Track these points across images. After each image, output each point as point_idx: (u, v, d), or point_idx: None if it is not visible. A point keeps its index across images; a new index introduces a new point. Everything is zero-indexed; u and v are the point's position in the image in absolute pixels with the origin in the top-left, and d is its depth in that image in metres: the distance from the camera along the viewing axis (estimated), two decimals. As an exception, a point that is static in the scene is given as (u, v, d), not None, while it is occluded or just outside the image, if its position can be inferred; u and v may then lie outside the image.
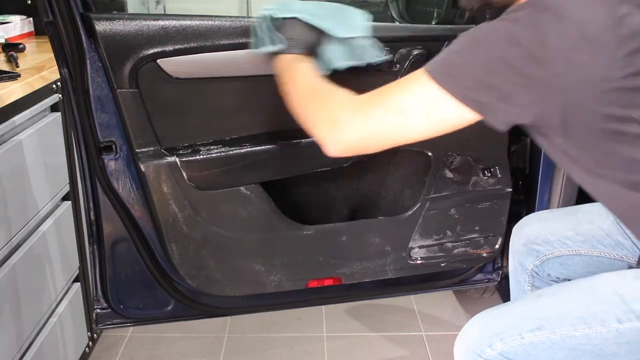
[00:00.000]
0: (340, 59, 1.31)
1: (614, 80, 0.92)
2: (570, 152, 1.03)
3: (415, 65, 1.49)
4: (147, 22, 1.39)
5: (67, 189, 1.63)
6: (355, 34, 1.29)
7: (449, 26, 1.66)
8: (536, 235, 1.36)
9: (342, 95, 1.09)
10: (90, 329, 1.78)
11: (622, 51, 0.91)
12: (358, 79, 1.53)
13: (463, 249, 1.73)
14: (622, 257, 1.28)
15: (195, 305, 1.66)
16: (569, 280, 1.34)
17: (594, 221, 1.32)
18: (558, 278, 1.37)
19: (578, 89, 0.93)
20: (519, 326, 1.04)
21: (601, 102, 0.94)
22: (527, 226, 1.40)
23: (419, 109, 1.00)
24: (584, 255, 1.32)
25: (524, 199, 1.78)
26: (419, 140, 1.04)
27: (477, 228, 1.72)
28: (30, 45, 1.85)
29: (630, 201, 1.03)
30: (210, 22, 1.43)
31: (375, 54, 1.33)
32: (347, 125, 1.04)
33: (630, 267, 1.26)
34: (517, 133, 1.71)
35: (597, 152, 1.00)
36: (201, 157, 1.48)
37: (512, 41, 0.93)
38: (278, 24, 1.28)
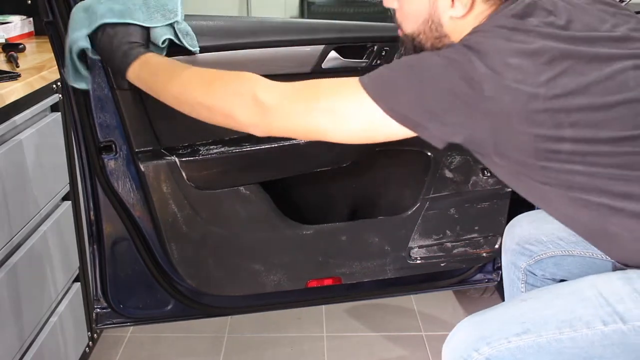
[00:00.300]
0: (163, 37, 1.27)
1: (541, 101, 0.95)
2: (510, 169, 1.06)
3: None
4: (147, 22, 1.39)
5: (67, 189, 1.63)
6: (169, 20, 1.27)
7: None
8: (529, 235, 1.37)
9: (256, 77, 1.10)
10: (90, 328, 1.78)
11: (544, 76, 0.95)
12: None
13: (463, 249, 1.73)
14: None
15: (195, 305, 1.66)
16: (563, 280, 1.34)
17: None
18: (554, 279, 1.37)
19: (507, 112, 0.96)
20: (506, 330, 1.04)
21: (530, 124, 0.96)
22: (519, 226, 1.40)
23: (348, 115, 1.03)
24: (577, 256, 1.32)
25: (524, 199, 1.78)
26: (346, 142, 1.07)
27: (476, 228, 1.72)
28: (30, 45, 1.85)
29: (583, 221, 1.06)
30: (210, 22, 1.43)
31: (192, 43, 1.33)
32: (277, 114, 1.06)
33: (615, 268, 1.26)
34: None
35: (535, 169, 1.02)
36: (201, 157, 1.48)
37: (447, 66, 0.97)
38: (95, 39, 1.22)
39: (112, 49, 1.20)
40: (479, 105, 0.96)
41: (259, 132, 1.10)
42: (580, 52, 0.98)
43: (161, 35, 1.27)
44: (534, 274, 1.37)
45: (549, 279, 1.36)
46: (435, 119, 0.98)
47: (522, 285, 1.39)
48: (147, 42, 1.27)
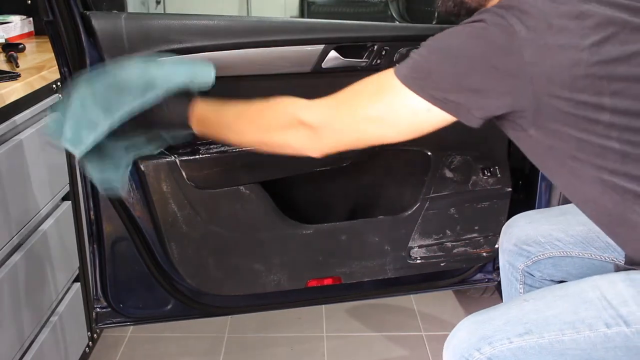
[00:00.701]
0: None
1: (583, 67, 0.94)
2: (544, 143, 1.04)
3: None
4: (147, 22, 1.40)
5: (67, 189, 1.63)
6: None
7: (448, 26, 1.66)
8: (526, 236, 1.36)
9: (294, 102, 1.09)
10: (90, 328, 1.78)
11: (588, 41, 0.94)
12: (358, 78, 1.54)
13: (463, 249, 1.73)
14: (612, 260, 1.28)
15: (195, 304, 1.66)
16: (562, 281, 1.34)
17: (585, 223, 1.31)
18: (552, 280, 1.37)
19: (549, 77, 0.94)
20: (508, 330, 1.04)
21: (572, 89, 0.95)
22: (516, 226, 1.40)
23: (396, 117, 1.03)
24: (575, 257, 1.31)
25: (524, 199, 1.78)
26: (399, 141, 1.06)
27: (476, 228, 1.72)
28: (30, 45, 1.85)
29: (604, 206, 1.04)
30: (210, 22, 1.43)
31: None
32: (327, 133, 1.06)
33: (618, 269, 1.25)
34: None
35: (571, 143, 1.00)
36: (201, 156, 1.48)
37: (480, 38, 0.96)
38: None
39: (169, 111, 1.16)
40: (520, 72, 0.94)
41: (317, 154, 1.09)
42: (625, 21, 0.96)
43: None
44: (532, 275, 1.37)
45: (547, 280, 1.36)
46: (477, 95, 0.97)
47: (521, 286, 1.38)
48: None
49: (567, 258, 1.32)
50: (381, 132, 1.05)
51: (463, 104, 0.98)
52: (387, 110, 1.02)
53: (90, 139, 1.12)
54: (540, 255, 1.34)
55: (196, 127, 1.16)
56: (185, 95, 1.15)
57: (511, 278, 1.40)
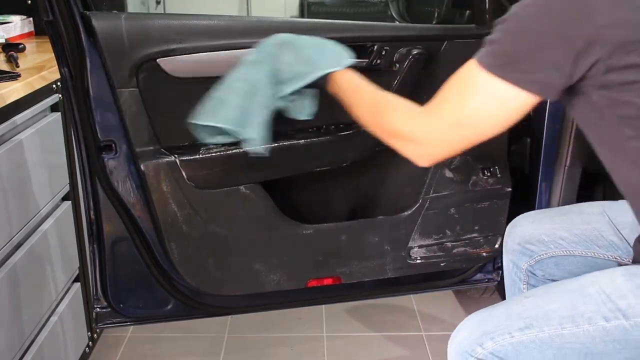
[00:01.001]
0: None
1: None
2: (603, 111, 1.02)
3: (415, 64, 1.50)
4: (147, 22, 1.40)
5: (67, 188, 1.63)
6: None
7: (448, 26, 1.67)
8: (530, 235, 1.36)
9: (404, 106, 1.13)
10: (90, 328, 1.78)
11: None
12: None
13: (463, 249, 1.73)
14: (615, 258, 1.28)
15: (195, 304, 1.66)
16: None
17: (588, 222, 1.32)
18: (553, 279, 1.37)
19: (624, 34, 0.93)
20: (509, 325, 1.05)
21: None
22: (520, 226, 1.40)
23: (493, 112, 1.02)
24: (578, 256, 1.32)
25: (524, 199, 1.78)
26: (498, 133, 1.06)
27: (476, 228, 1.72)
28: (30, 45, 1.85)
29: None
30: (210, 22, 1.43)
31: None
32: (429, 145, 1.09)
33: (620, 265, 1.26)
34: (517, 133, 1.71)
35: (633, 106, 0.99)
36: (201, 156, 1.48)
37: (549, 11, 0.95)
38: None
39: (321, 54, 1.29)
40: (595, 36, 0.93)
41: (426, 164, 1.12)
42: None
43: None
44: (535, 275, 1.37)
45: (549, 279, 1.36)
46: (558, 69, 0.96)
47: (524, 286, 1.39)
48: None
49: (570, 257, 1.32)
50: (480, 132, 1.05)
51: (547, 81, 0.98)
52: (480, 108, 1.02)
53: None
54: (543, 255, 1.35)
55: (331, 89, 1.27)
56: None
57: (515, 278, 1.40)
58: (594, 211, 1.33)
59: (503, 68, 0.99)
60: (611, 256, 1.29)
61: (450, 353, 1.12)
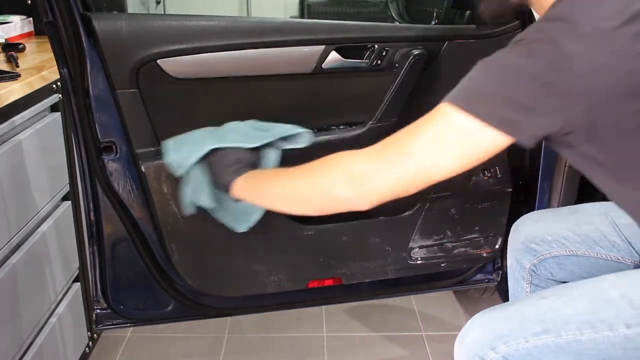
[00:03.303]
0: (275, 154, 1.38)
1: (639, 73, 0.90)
2: (596, 158, 1.00)
3: (415, 65, 1.50)
4: (147, 22, 1.39)
5: (67, 189, 1.63)
6: (262, 141, 1.35)
7: (449, 26, 1.67)
8: (534, 234, 1.36)
9: (342, 154, 1.06)
10: (90, 329, 1.78)
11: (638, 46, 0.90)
12: (359, 79, 1.54)
13: (463, 249, 1.73)
14: (618, 259, 1.28)
15: (195, 305, 1.66)
16: (566, 281, 1.34)
17: (592, 222, 1.31)
18: (555, 279, 1.37)
19: (604, 88, 0.90)
20: (524, 329, 1.02)
21: (629, 98, 0.91)
22: (525, 225, 1.40)
23: (444, 143, 0.96)
24: (581, 256, 1.31)
25: (524, 199, 1.78)
26: (452, 175, 1.00)
27: (477, 228, 1.72)
28: (30, 45, 1.85)
29: None
30: (210, 22, 1.43)
31: (297, 141, 1.39)
32: (372, 178, 1.01)
33: (637, 266, 1.25)
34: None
35: (626, 154, 0.97)
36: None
37: (529, 55, 0.92)
38: (201, 164, 1.33)
39: (221, 168, 1.29)
40: (573, 87, 0.90)
41: (365, 204, 1.04)
42: None
43: (267, 157, 1.37)
44: (538, 274, 1.37)
45: (551, 279, 1.36)
46: (531, 113, 0.92)
47: (527, 285, 1.38)
48: (254, 164, 1.33)
49: (573, 257, 1.32)
50: (430, 164, 0.97)
51: (517, 122, 0.93)
52: (435, 136, 0.96)
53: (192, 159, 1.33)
54: (546, 254, 1.34)
55: (238, 183, 1.25)
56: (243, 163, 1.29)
57: (518, 277, 1.40)
58: (598, 212, 1.33)
59: (468, 101, 0.94)
60: (614, 257, 1.29)
61: (458, 354, 1.08)
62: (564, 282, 1.33)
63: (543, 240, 1.34)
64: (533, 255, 1.36)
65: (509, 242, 1.43)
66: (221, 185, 1.29)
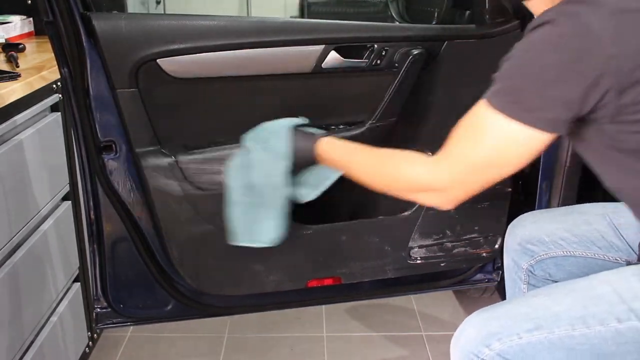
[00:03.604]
0: None
1: None
2: (618, 142, 1.01)
3: (415, 65, 1.50)
4: (147, 22, 1.40)
5: (67, 189, 1.63)
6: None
7: (448, 26, 1.67)
8: (530, 235, 1.36)
9: (413, 158, 1.13)
10: (90, 328, 1.78)
11: None
12: (358, 79, 1.54)
13: (463, 249, 1.73)
14: (616, 259, 1.28)
15: (195, 304, 1.66)
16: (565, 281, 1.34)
17: (590, 222, 1.32)
18: (553, 280, 1.37)
19: (633, 64, 0.92)
20: (517, 326, 1.04)
21: None
22: (521, 226, 1.40)
23: (507, 152, 1.01)
24: (578, 257, 1.32)
25: (524, 199, 1.78)
26: (519, 169, 1.05)
27: (476, 228, 1.72)
28: (30, 45, 1.85)
29: None
30: (210, 22, 1.43)
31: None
32: (451, 190, 1.07)
33: (629, 264, 1.25)
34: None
35: None
36: (201, 156, 1.48)
37: (557, 46, 0.94)
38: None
39: (301, 135, 1.33)
40: (605, 68, 0.92)
41: (450, 207, 1.10)
42: None
43: None
44: (535, 275, 1.37)
45: (549, 279, 1.36)
46: (568, 105, 0.95)
47: (524, 286, 1.38)
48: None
49: (571, 258, 1.32)
50: (499, 171, 1.04)
51: (557, 118, 0.96)
52: (493, 148, 1.01)
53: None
54: (543, 255, 1.34)
55: (322, 161, 1.29)
56: (300, 136, 1.31)
57: (515, 277, 1.40)
58: (596, 212, 1.33)
59: (512, 107, 0.97)
60: (612, 257, 1.29)
61: (454, 353, 1.10)
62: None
63: (540, 240, 1.34)
64: (530, 256, 1.36)
65: (505, 243, 1.43)
66: (305, 149, 1.30)
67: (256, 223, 1.37)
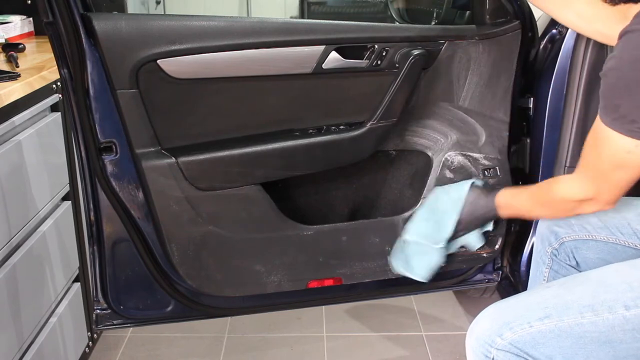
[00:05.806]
0: None
1: None
2: None
3: (415, 65, 1.50)
4: (147, 22, 1.39)
5: (67, 189, 1.63)
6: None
7: (449, 26, 1.66)
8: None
9: (558, 182, 1.28)
10: (90, 329, 1.78)
11: None
12: (359, 79, 1.54)
13: (463, 249, 1.73)
14: (636, 246, 1.31)
15: (195, 305, 1.66)
16: (580, 265, 1.39)
17: (620, 211, 1.34)
18: (570, 264, 1.39)
19: None
20: (528, 315, 1.07)
21: None
22: None
23: (627, 161, 1.09)
24: (599, 241, 1.34)
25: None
26: None
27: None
28: (30, 45, 1.85)
29: None
30: (210, 23, 1.43)
31: None
32: (601, 196, 1.17)
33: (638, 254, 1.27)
34: (517, 133, 1.71)
35: None
36: (201, 157, 1.48)
37: None
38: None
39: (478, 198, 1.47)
40: None
41: (610, 207, 1.20)
42: None
43: None
44: (558, 259, 1.40)
45: (569, 264, 1.39)
46: None
47: (547, 270, 1.41)
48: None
49: (591, 241, 1.36)
50: (630, 173, 1.12)
51: None
52: (614, 158, 1.10)
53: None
54: (566, 237, 1.38)
55: (503, 213, 1.42)
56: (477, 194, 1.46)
57: (539, 261, 1.44)
58: (628, 201, 1.36)
59: (617, 122, 1.05)
60: (632, 244, 1.31)
61: (469, 344, 1.13)
62: (578, 267, 1.38)
63: (567, 223, 1.38)
64: (555, 237, 1.39)
65: (537, 228, 1.48)
66: (488, 213, 1.44)
67: (415, 259, 1.55)
